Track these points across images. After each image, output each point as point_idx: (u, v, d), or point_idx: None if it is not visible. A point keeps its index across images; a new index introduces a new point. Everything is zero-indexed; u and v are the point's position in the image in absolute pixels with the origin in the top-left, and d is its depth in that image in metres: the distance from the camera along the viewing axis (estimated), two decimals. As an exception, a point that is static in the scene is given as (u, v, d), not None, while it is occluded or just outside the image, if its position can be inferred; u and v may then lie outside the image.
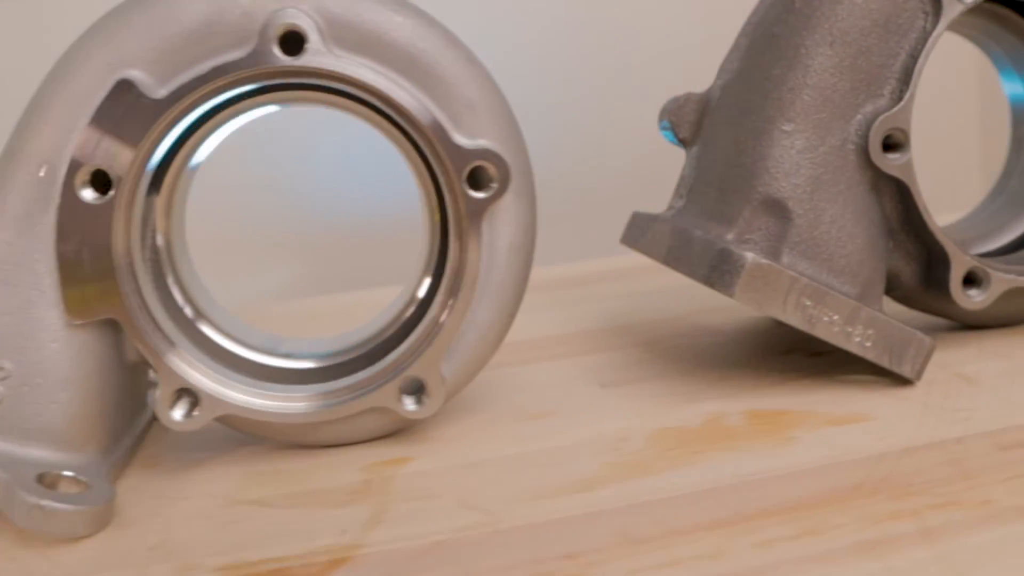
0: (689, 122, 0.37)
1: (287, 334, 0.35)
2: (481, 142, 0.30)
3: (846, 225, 0.33)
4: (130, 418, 0.32)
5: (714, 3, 0.58)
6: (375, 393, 0.30)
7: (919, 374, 0.32)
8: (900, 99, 0.33)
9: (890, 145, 0.33)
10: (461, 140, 0.30)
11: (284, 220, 0.70)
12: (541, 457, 0.29)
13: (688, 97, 0.37)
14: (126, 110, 0.28)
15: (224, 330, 0.33)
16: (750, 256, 0.30)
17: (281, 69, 0.29)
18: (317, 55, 0.28)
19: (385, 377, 0.30)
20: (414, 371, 0.30)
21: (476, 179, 0.30)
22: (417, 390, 0.31)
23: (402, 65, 0.29)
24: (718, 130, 0.35)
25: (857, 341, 0.31)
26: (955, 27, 0.40)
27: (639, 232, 0.38)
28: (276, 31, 0.28)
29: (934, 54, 0.33)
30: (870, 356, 0.31)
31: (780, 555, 0.22)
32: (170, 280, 0.32)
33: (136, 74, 0.28)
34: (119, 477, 0.30)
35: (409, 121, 0.29)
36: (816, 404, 0.31)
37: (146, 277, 0.30)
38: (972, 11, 0.38)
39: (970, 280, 0.35)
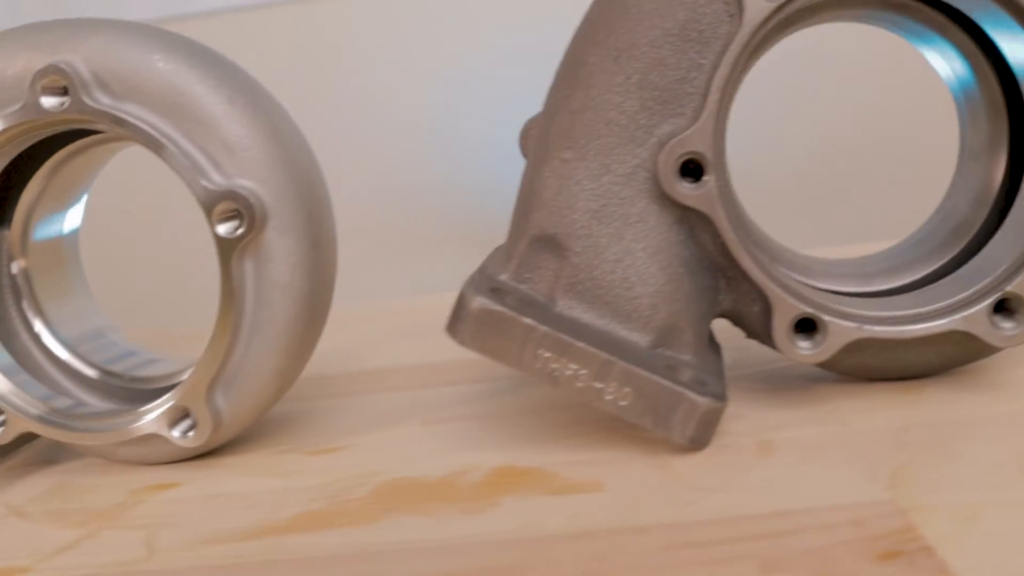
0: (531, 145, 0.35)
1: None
2: (239, 182, 0.30)
3: (635, 264, 0.29)
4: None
5: None
6: (149, 421, 0.32)
7: (697, 440, 0.27)
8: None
9: (690, 171, 0.29)
10: (212, 180, 0.30)
11: (465, 214, 0.74)
12: (269, 497, 0.29)
13: (535, 119, 0.35)
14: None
15: (75, 350, 0.36)
16: (478, 302, 0.27)
17: (49, 120, 0.30)
18: (79, 104, 0.30)
19: (159, 406, 0.32)
20: (182, 402, 0.31)
21: (237, 218, 0.30)
22: (190, 421, 0.32)
23: (163, 109, 0.30)
24: (528, 157, 0.32)
25: (610, 399, 0.27)
26: (864, 19, 0.33)
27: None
28: (43, 84, 0.30)
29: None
30: (628, 416, 0.27)
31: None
32: (25, 304, 0.36)
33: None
34: (-28, 478, 0.34)
35: (167, 163, 0.30)
36: (574, 465, 0.28)
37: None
38: (867, 1, 0.32)
39: (805, 327, 0.29)
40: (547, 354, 0.27)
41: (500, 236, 0.32)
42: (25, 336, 0.36)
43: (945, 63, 0.34)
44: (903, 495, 0.23)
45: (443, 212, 0.70)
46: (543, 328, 0.27)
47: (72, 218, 0.38)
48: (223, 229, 0.30)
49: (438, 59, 0.70)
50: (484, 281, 0.29)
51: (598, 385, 0.27)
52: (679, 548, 0.22)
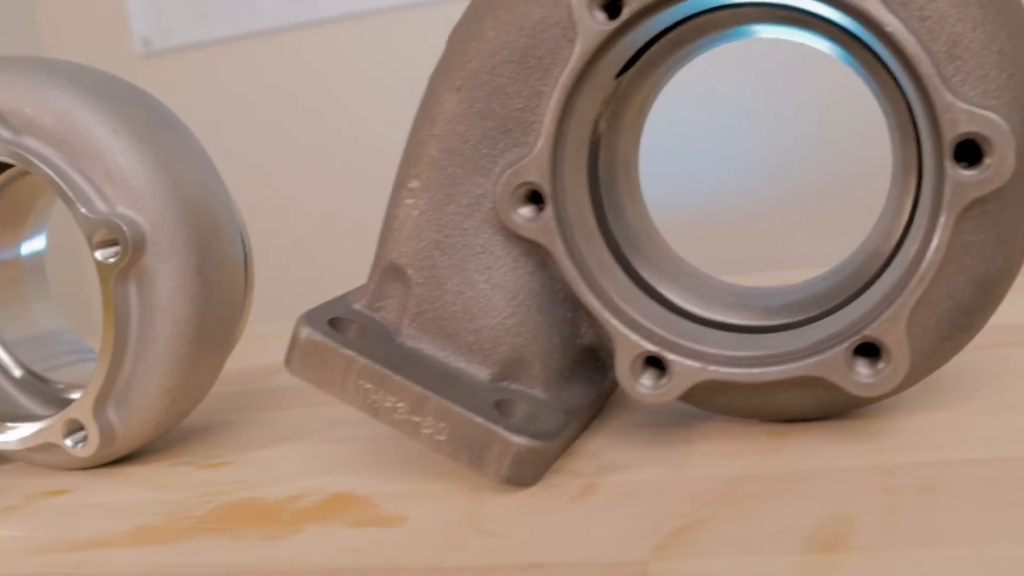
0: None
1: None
2: (119, 210, 0.32)
3: (477, 296, 0.29)
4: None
5: None
6: (46, 430, 0.34)
7: (513, 479, 0.27)
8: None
9: (530, 202, 0.28)
10: (93, 209, 0.32)
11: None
12: (128, 509, 0.31)
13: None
14: None
15: (10, 349, 0.39)
16: (305, 332, 0.28)
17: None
18: (-17, 138, 0.33)
19: (60, 416, 0.34)
20: (74, 414, 0.34)
21: (115, 245, 0.32)
22: (84, 432, 0.34)
23: (56, 142, 0.33)
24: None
25: (427, 434, 0.27)
26: (774, 34, 0.31)
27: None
28: None
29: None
30: (445, 452, 0.27)
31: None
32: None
33: None
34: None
35: (57, 193, 0.33)
36: (402, 496, 0.28)
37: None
38: (764, 13, 0.30)
39: (656, 365, 0.28)
40: (368, 385, 0.28)
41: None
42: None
43: (860, 78, 0.31)
44: (661, 557, 0.21)
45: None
46: (362, 360, 0.28)
47: (32, 244, 0.41)
48: (100, 255, 0.32)
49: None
50: (334, 310, 0.30)
51: (416, 419, 0.27)
52: (409, 595, 0.21)
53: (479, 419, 0.27)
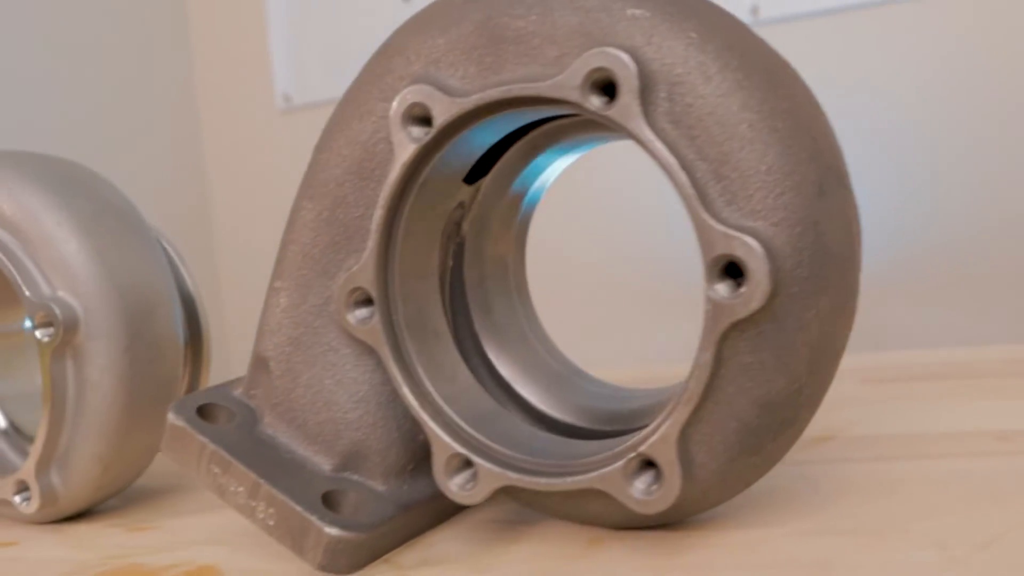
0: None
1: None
2: (59, 294, 0.42)
3: (323, 391, 0.35)
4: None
5: None
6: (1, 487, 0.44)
7: (329, 567, 0.32)
8: (375, 255, 0.34)
9: (363, 305, 0.34)
10: (36, 292, 0.42)
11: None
12: (30, 567, 0.39)
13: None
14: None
15: (11, 416, 0.50)
16: (170, 417, 0.36)
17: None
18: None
19: (9, 478, 0.44)
20: (21, 475, 0.43)
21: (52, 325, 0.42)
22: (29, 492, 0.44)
23: (16, 230, 0.43)
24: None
25: (261, 518, 0.34)
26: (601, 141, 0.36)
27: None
28: None
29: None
30: (275, 537, 0.33)
31: None
32: None
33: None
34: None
35: (8, 277, 0.42)
36: (253, 573, 0.35)
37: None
38: (582, 124, 0.35)
39: (465, 466, 0.33)
40: (216, 469, 0.35)
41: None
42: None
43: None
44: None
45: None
46: (212, 446, 0.35)
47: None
48: (39, 334, 0.41)
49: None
50: (211, 396, 0.37)
51: (252, 503, 0.34)
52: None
53: (299, 508, 0.33)
